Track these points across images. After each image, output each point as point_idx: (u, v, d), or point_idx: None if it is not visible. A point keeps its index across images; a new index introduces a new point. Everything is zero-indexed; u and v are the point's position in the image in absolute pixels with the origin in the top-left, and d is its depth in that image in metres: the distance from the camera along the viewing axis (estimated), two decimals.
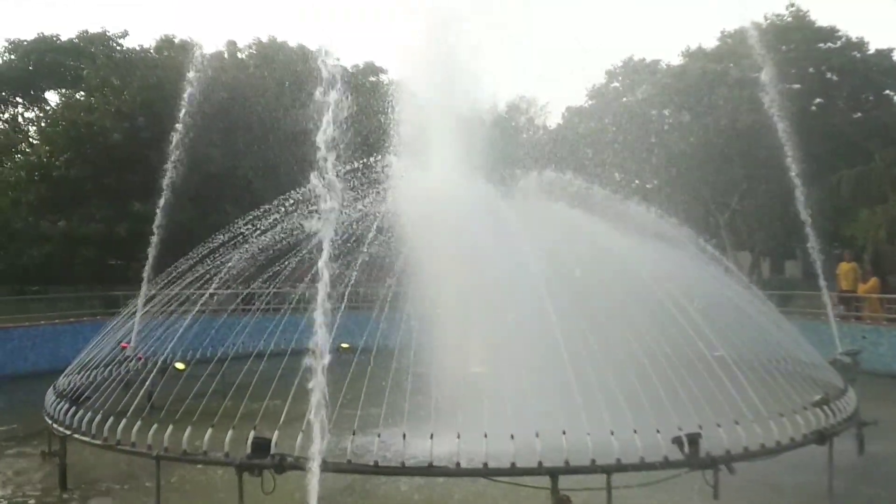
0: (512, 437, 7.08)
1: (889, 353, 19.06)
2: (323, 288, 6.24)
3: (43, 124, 33.78)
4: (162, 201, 16.06)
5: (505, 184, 12.97)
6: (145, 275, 15.46)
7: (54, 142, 29.27)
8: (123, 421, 8.33)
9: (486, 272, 10.39)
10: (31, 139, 35.11)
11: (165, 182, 16.20)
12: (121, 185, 28.12)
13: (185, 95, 16.96)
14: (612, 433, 7.18)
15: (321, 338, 6.25)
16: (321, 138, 6.60)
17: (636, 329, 9.82)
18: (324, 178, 6.51)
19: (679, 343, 9.44)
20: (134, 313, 14.13)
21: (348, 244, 11.57)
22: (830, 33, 34.92)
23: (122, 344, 13.74)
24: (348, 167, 11.96)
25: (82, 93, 31.82)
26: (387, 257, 12.18)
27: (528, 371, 8.94)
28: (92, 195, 28.88)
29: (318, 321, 6.21)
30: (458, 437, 7.23)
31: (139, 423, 8.22)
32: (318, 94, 7.08)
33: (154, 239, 15.92)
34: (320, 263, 6.34)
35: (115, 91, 28.89)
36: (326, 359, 6.26)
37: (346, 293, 9.35)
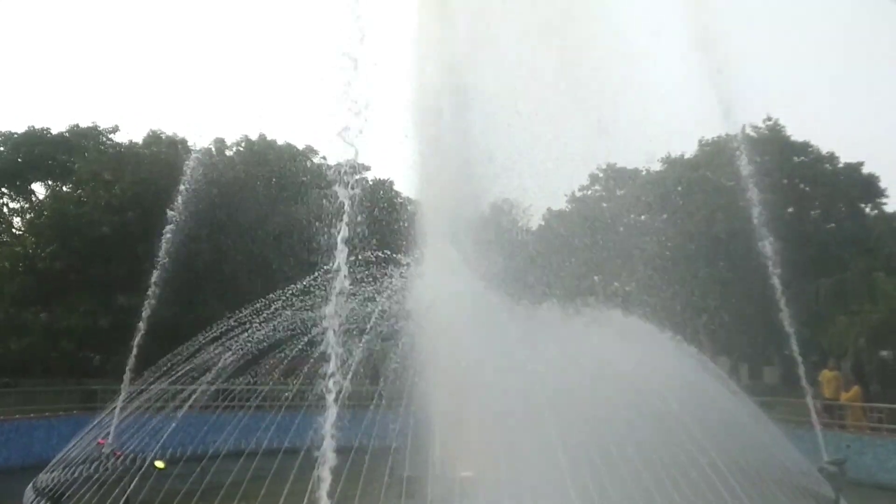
0: None
1: (874, 464, 19.01)
2: (331, 386, 6.22)
3: (28, 216, 33.83)
4: (148, 295, 16.05)
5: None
6: (127, 369, 15.27)
7: (41, 233, 29.27)
8: None
9: (483, 375, 10.40)
10: (14, 230, 35.06)
11: (152, 276, 16.23)
12: (106, 277, 28.01)
13: (176, 192, 17.21)
14: None
15: (326, 439, 6.18)
16: (340, 236, 6.71)
17: (632, 434, 9.81)
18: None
19: (673, 448, 9.44)
20: (121, 408, 13.86)
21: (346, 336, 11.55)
22: (803, 148, 36.35)
23: (100, 440, 13.42)
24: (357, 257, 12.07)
25: (71, 185, 32.05)
26: (381, 354, 12.17)
27: (526, 476, 8.86)
28: (76, 287, 28.69)
29: (327, 422, 6.15)
30: None
31: None
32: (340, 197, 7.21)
33: (138, 333, 15.81)
34: (330, 356, 6.31)
35: (106, 185, 29.14)
36: (330, 461, 6.19)
37: (343, 390, 9.29)
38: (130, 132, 44.36)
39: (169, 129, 35.76)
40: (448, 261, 12.98)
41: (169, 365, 13.40)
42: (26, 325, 27.76)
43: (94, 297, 28.05)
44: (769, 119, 36.76)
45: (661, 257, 32.20)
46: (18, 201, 36.75)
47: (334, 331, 6.38)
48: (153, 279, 16.18)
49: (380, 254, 13.14)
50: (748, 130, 35.71)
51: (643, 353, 11.97)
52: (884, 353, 31.05)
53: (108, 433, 13.51)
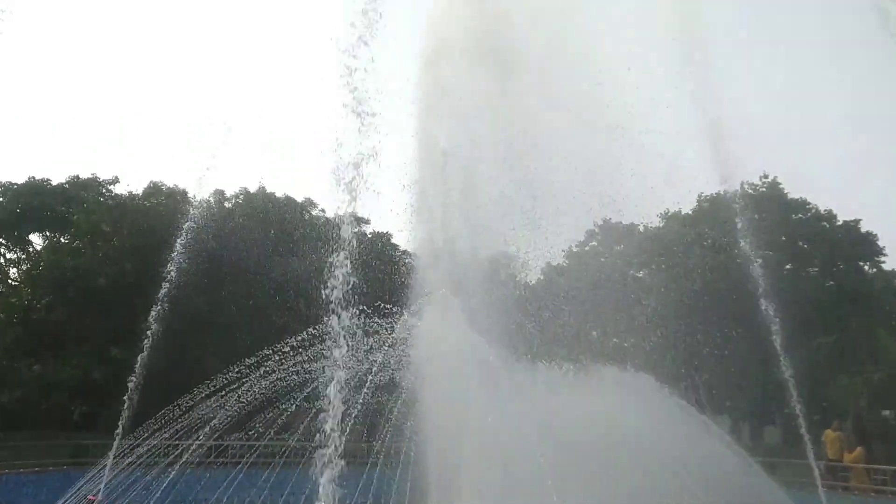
0: None
1: None
2: (332, 444, 6.04)
3: (25, 266, 33.71)
4: (143, 347, 15.87)
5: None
6: (120, 423, 15.01)
7: (37, 284, 29.14)
8: None
9: (482, 431, 10.24)
10: (10, 281, 34.91)
11: (147, 329, 16.08)
12: (101, 329, 27.80)
13: (174, 244, 17.15)
14: None
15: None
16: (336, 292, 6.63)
17: (632, 494, 9.62)
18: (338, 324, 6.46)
19: None
20: (113, 463, 13.57)
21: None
22: (801, 205, 36.49)
23: (90, 496, 13.15)
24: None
25: (68, 236, 32.01)
26: (377, 412, 11.99)
27: None
28: (71, 339, 28.45)
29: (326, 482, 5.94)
30: None
31: None
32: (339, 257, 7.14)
33: (131, 386, 15.58)
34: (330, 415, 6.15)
35: (105, 237, 29.10)
36: None
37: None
38: (131, 183, 44.34)
39: (170, 180, 35.77)
40: (448, 314, 12.89)
41: (163, 419, 13.18)
42: (19, 378, 27.44)
43: (88, 349, 27.80)
44: (766, 177, 37.02)
45: (660, 314, 32.06)
46: (15, 252, 36.63)
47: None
48: (149, 330, 16.04)
49: (378, 308, 13.04)
50: (745, 188, 35.91)
51: (644, 411, 11.83)
52: (886, 412, 30.75)
53: (99, 490, 13.22)
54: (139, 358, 15.83)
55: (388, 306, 13.45)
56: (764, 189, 36.80)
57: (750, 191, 35.92)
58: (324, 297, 7.41)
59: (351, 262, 7.10)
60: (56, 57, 78.71)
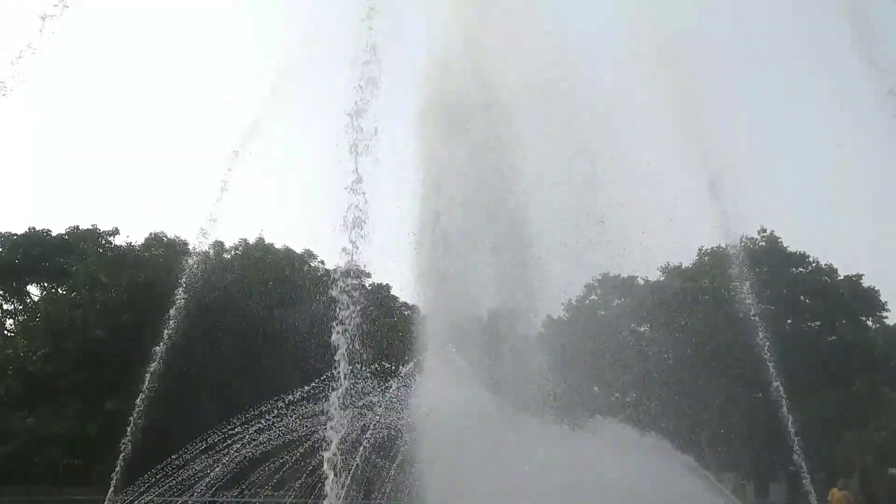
0: None
1: None
2: None
3: (22, 318, 33.56)
4: (139, 401, 15.62)
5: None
6: (114, 477, 14.73)
7: (34, 336, 28.95)
8: None
9: (481, 486, 10.05)
10: (6, 332, 34.70)
11: (143, 380, 15.86)
12: (95, 381, 27.50)
13: (172, 296, 17.01)
14: None
15: None
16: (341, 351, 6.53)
17: None
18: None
19: None
20: None
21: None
22: (801, 259, 36.40)
23: None
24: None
25: (66, 287, 31.90)
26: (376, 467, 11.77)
27: None
28: (64, 391, 28.12)
29: None
30: None
31: None
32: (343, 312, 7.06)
33: (125, 440, 15.31)
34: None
35: (103, 288, 28.99)
36: None
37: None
38: (131, 234, 44.30)
39: (171, 231, 35.68)
40: (449, 367, 12.77)
41: (157, 475, 12.92)
42: (12, 431, 27.06)
43: (82, 402, 27.45)
44: (764, 231, 37.06)
45: (662, 369, 31.76)
46: (12, 303, 36.47)
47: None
48: (145, 384, 15.81)
49: (379, 365, 12.91)
50: (745, 241, 35.86)
51: (646, 468, 11.64)
52: (893, 470, 30.30)
53: None
54: (134, 412, 15.58)
55: (388, 363, 13.35)
56: (763, 243, 36.82)
57: (749, 244, 35.90)
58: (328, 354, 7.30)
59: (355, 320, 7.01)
60: (58, 108, 79.57)
